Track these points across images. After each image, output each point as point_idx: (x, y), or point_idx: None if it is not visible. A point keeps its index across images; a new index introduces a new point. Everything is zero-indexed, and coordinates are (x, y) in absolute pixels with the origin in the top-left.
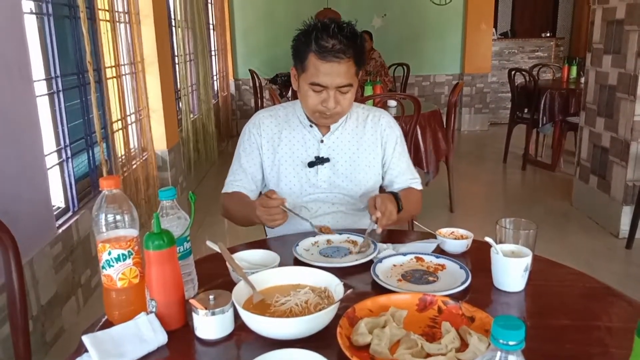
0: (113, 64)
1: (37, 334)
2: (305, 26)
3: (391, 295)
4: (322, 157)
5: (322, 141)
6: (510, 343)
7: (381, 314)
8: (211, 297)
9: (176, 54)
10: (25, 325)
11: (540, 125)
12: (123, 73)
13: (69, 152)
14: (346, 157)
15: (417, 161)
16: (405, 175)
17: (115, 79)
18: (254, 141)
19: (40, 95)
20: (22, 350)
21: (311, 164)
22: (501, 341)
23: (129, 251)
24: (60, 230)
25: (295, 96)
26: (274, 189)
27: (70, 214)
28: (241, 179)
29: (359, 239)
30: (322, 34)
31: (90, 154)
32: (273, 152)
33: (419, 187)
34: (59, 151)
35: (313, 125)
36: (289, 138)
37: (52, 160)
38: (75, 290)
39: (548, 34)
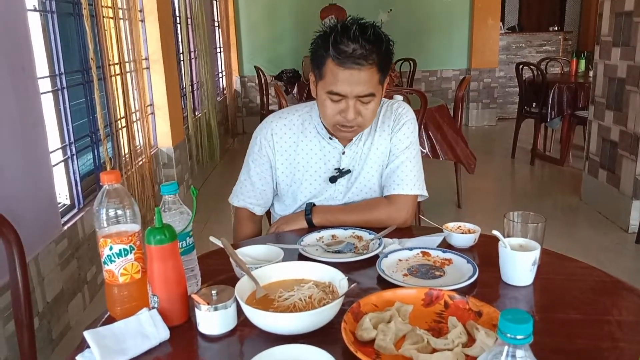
0: (117, 61)
1: (43, 331)
2: (324, 28)
3: (396, 290)
4: (343, 170)
5: (343, 153)
6: (518, 337)
7: (386, 308)
8: (214, 292)
9: (181, 51)
10: (30, 322)
11: (548, 120)
12: (127, 70)
13: (73, 149)
14: (362, 162)
15: (434, 153)
16: (391, 177)
17: (119, 76)
18: (265, 154)
19: (45, 93)
20: (27, 347)
21: (333, 179)
22: (509, 335)
23: (130, 246)
24: (65, 227)
25: (301, 94)
26: (291, 203)
27: (75, 210)
28: (248, 191)
29: (364, 234)
30: (341, 37)
31: (96, 152)
32: (289, 166)
33: (405, 191)
34: (63, 148)
35: (333, 137)
36: (306, 151)
37: (57, 157)
38: (81, 287)
39: (556, 28)
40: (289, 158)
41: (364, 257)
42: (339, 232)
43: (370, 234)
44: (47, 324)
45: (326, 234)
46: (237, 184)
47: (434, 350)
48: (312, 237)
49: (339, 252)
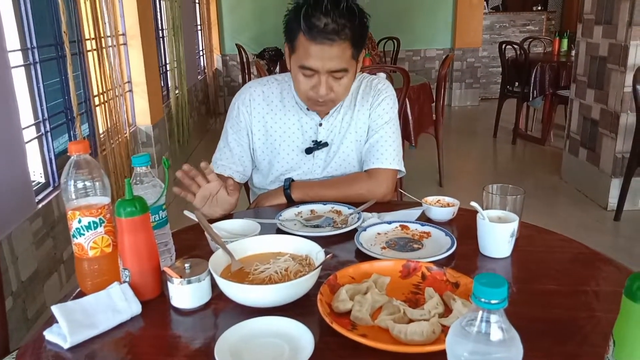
0: (93, 36)
1: (18, 310)
2: (296, 1)
3: (374, 262)
4: (320, 142)
5: (320, 124)
6: (492, 302)
7: (363, 280)
8: (187, 265)
9: (160, 27)
10: (1, 300)
11: (530, 99)
12: (104, 46)
13: (47, 125)
14: (341, 137)
15: (405, 134)
16: (370, 151)
17: (95, 52)
18: (242, 120)
19: (15, 67)
20: None
21: (309, 150)
22: (483, 300)
23: (100, 219)
24: (40, 206)
25: (284, 72)
26: (267, 174)
27: (50, 189)
28: (227, 158)
29: (344, 209)
30: (313, 10)
31: (72, 131)
32: (265, 134)
33: (385, 165)
34: (37, 125)
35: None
36: (284, 120)
37: (30, 134)
38: (57, 266)
39: (539, 8)
40: (266, 125)
41: (343, 231)
42: (318, 207)
43: (349, 208)
44: (22, 303)
45: (305, 208)
46: (215, 152)
47: (410, 321)
48: (290, 212)
49: (317, 226)
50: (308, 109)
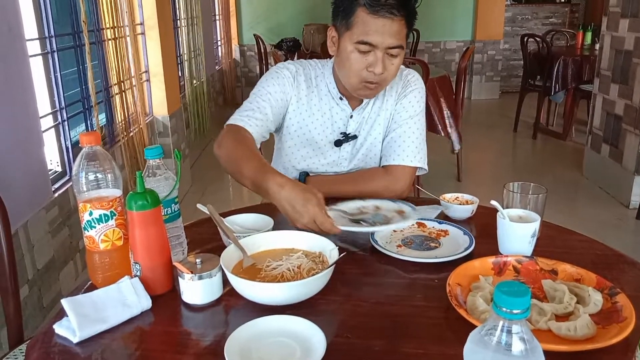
0: (111, 25)
1: (34, 298)
2: None
3: (464, 265)
4: (349, 135)
5: (351, 116)
6: (515, 311)
7: (473, 284)
8: (198, 260)
9: (177, 17)
10: (16, 290)
11: (552, 93)
12: (122, 35)
13: (64, 114)
14: (368, 128)
15: (431, 127)
16: (392, 147)
17: (113, 41)
18: (287, 90)
19: (34, 55)
20: (13, 313)
21: (338, 143)
22: (504, 309)
23: (111, 212)
24: (56, 195)
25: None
26: (289, 160)
27: (67, 178)
28: (255, 117)
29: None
30: None
31: (89, 120)
32: (298, 116)
33: (405, 162)
34: (54, 114)
35: (343, 97)
36: (318, 107)
37: (47, 123)
38: (73, 255)
39: (563, 0)
40: (301, 107)
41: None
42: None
43: (394, 202)
44: (38, 291)
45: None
46: (240, 109)
47: (558, 318)
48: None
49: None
50: (341, 98)
